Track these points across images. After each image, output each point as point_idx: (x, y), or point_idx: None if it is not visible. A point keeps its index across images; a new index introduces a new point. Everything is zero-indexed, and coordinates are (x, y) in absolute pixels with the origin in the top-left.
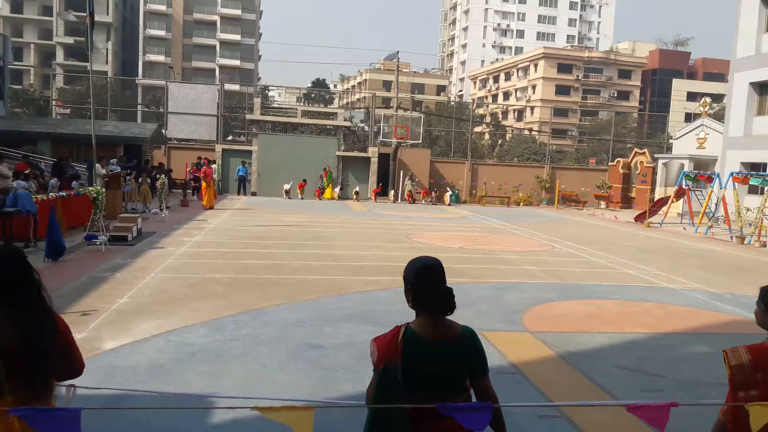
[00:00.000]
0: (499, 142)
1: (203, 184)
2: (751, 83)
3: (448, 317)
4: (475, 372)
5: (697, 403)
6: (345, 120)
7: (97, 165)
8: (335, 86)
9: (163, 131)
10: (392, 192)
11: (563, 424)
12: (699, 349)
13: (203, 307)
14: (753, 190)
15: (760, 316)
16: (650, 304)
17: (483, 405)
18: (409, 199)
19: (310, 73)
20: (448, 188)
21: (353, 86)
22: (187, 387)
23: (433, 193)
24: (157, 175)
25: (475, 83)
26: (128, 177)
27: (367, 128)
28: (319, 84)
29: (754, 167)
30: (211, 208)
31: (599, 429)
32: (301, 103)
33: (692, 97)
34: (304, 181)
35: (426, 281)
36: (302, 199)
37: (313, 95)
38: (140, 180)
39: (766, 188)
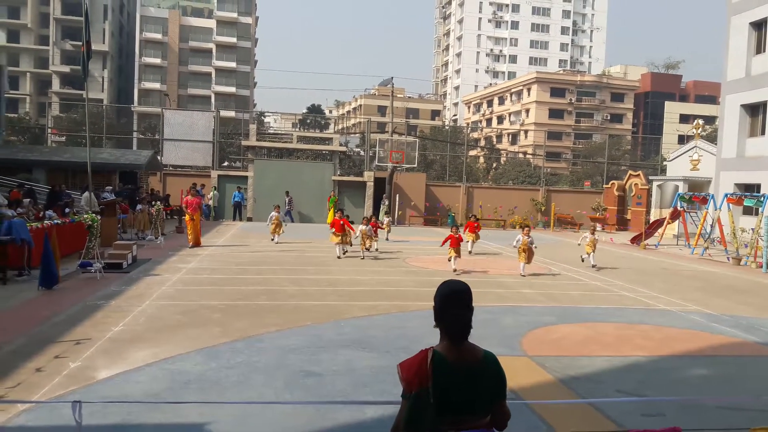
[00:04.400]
0: (494, 165)
1: (186, 216)
2: (742, 105)
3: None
4: (495, 396)
5: (700, 429)
6: (340, 145)
7: (85, 194)
8: (330, 112)
9: (159, 158)
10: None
11: None
12: (699, 371)
13: (198, 334)
14: (747, 211)
15: None
16: (649, 327)
17: None
18: (376, 231)
19: (306, 99)
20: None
21: (348, 112)
22: (183, 417)
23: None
24: (153, 202)
25: (469, 108)
26: (138, 205)
27: (362, 153)
28: (315, 110)
29: (748, 188)
30: (197, 245)
31: None
32: (297, 129)
33: (685, 119)
34: (339, 211)
35: (444, 305)
36: (344, 253)
37: (308, 121)
38: (140, 208)
39: (760, 209)
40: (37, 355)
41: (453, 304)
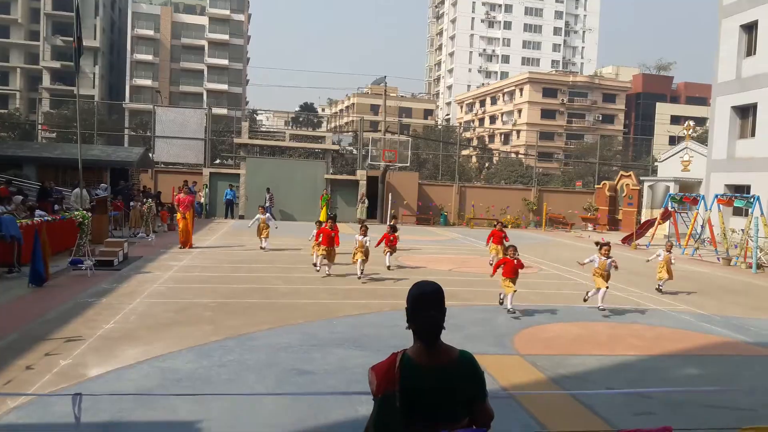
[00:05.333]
0: (487, 165)
1: (178, 215)
2: (732, 107)
3: (446, 342)
4: (473, 397)
5: (690, 428)
6: (333, 143)
7: (75, 191)
8: (323, 110)
9: (150, 155)
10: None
11: None
12: (689, 371)
13: (190, 332)
14: (738, 212)
15: None
16: (640, 326)
17: (476, 431)
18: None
19: (298, 97)
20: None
21: (341, 110)
22: (174, 414)
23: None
24: (145, 199)
25: (461, 107)
26: (131, 202)
27: (355, 151)
28: (307, 108)
29: (738, 189)
30: (189, 247)
31: None
32: (289, 127)
33: (676, 120)
34: (330, 219)
35: (414, 306)
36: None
37: (301, 119)
38: (132, 205)
39: (750, 210)
40: (27, 352)
41: (423, 305)
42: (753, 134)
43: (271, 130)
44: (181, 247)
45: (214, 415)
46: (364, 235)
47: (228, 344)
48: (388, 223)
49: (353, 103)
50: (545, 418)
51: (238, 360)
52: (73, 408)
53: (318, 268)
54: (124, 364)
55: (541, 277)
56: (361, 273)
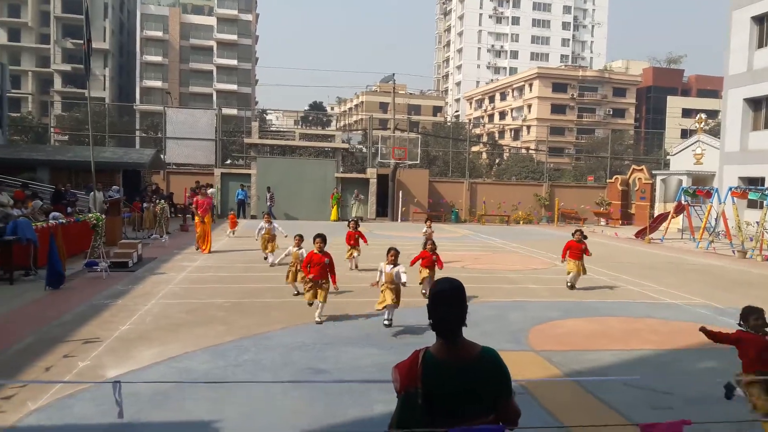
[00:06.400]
0: (497, 161)
1: (196, 219)
2: (745, 99)
3: (469, 339)
4: (497, 394)
5: (710, 422)
6: (343, 142)
7: (92, 193)
8: (332, 109)
9: (162, 156)
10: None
11: None
12: (706, 365)
13: (205, 332)
14: (752, 205)
15: None
16: (655, 321)
17: (495, 428)
18: (351, 238)
19: (307, 96)
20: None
21: (350, 108)
22: (190, 415)
23: None
24: (157, 200)
25: (470, 104)
26: (144, 203)
27: (365, 150)
28: (316, 107)
29: (752, 182)
30: (207, 251)
31: None
32: (299, 126)
33: (687, 113)
34: (319, 238)
35: (433, 303)
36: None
37: (310, 118)
38: (145, 206)
39: (765, 202)
40: (45, 354)
41: (439, 301)
42: (766, 126)
43: (281, 129)
44: (200, 250)
45: (231, 415)
46: (394, 264)
47: (243, 344)
48: (424, 222)
49: (362, 102)
50: (562, 414)
51: (254, 360)
52: (114, 395)
53: (296, 292)
54: (141, 365)
55: (553, 272)
56: (389, 320)
